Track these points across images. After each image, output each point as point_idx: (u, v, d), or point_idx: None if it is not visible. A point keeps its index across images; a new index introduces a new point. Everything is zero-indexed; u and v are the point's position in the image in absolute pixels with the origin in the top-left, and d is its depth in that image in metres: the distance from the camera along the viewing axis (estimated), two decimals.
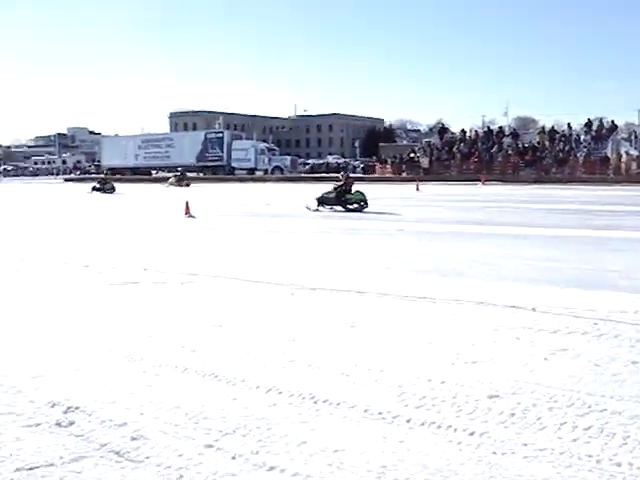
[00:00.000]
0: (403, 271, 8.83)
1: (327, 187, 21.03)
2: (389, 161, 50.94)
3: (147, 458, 3.37)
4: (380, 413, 3.90)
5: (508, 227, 14.38)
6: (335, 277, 8.39)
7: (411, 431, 3.66)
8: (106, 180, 37.79)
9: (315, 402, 4.10)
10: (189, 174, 62.53)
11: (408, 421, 3.78)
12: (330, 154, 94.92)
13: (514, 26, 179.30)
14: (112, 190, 35.58)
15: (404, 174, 47.37)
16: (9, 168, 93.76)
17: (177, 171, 48.95)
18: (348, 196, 20.11)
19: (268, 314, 6.49)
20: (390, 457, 3.34)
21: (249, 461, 3.33)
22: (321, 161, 75.89)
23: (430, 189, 33.32)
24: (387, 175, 48.49)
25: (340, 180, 21.00)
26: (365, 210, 19.53)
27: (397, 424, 3.75)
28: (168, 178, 47.35)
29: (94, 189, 35.93)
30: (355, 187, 20.54)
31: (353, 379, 4.50)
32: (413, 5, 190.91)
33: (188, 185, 43.42)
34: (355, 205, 19.89)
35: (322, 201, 20.43)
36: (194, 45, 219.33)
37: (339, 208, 19.83)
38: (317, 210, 20.03)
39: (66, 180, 66.55)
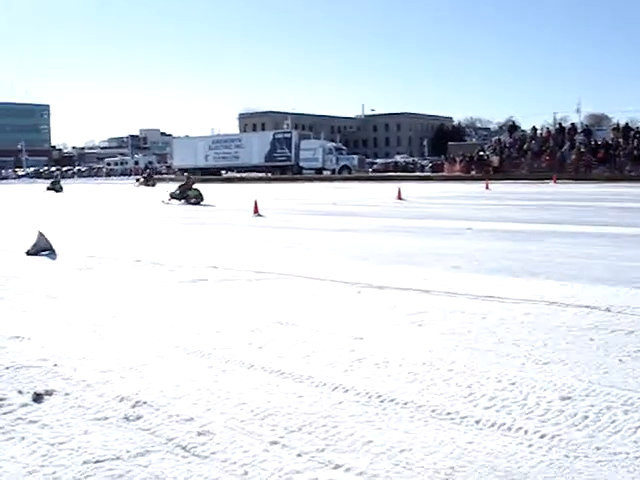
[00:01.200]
0: (472, 270, 8.68)
1: (394, 186, 20.94)
2: (458, 160, 50.31)
3: (213, 453, 3.37)
4: (448, 413, 3.82)
5: (581, 226, 13.99)
6: (403, 276, 8.30)
7: (480, 432, 3.57)
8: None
9: (382, 401, 4.05)
10: (257, 174, 63.40)
11: (477, 422, 3.69)
12: (398, 153, 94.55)
13: (587, 22, 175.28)
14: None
15: (473, 173, 46.74)
16: (83, 169, 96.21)
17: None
18: (189, 192, 25.78)
19: (335, 312, 6.46)
20: (458, 458, 3.26)
21: (314, 459, 3.30)
22: (389, 160, 75.60)
23: (500, 187, 32.77)
24: (456, 174, 47.90)
25: (185, 180, 27.64)
26: (432, 209, 19.36)
27: (466, 425, 3.67)
28: (239, 178, 47.92)
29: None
30: (197, 185, 26.59)
31: (421, 378, 4.43)
32: (483, 1, 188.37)
33: (154, 185, 46.67)
34: (193, 200, 25.44)
35: (173, 196, 25.98)
36: (263, 46, 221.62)
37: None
38: (169, 203, 25.66)
39: (138, 180, 67.89)
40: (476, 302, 6.73)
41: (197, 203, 25.32)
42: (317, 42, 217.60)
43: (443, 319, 6.06)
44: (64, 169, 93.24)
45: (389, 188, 31.13)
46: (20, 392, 4.24)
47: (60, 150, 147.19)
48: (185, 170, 68.22)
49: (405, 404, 3.98)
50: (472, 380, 4.35)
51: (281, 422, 3.74)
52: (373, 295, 7.27)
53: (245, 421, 3.76)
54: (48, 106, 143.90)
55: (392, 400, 4.05)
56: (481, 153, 49.30)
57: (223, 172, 69.20)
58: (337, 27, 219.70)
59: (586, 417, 3.72)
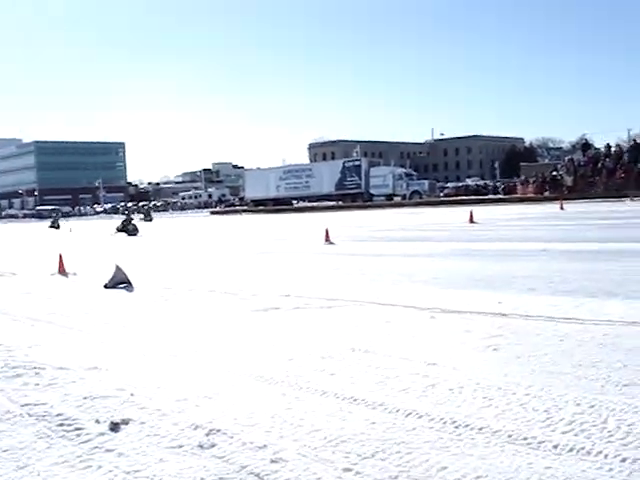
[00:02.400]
0: (548, 292, 8.48)
1: (466, 209, 20.71)
2: (530, 181, 49.52)
3: None
4: (525, 439, 3.72)
5: None
6: (476, 300, 8.17)
7: (558, 457, 3.45)
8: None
9: (457, 427, 3.97)
10: (328, 202, 63.70)
11: (555, 447, 3.58)
12: (469, 177, 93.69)
13: None
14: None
15: (547, 193, 45.93)
16: (158, 203, 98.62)
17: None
18: (128, 226, 32.27)
19: (408, 338, 6.40)
20: None
21: None
22: (460, 184, 74.90)
23: (574, 207, 32.06)
24: (529, 195, 47.14)
25: (141, 215, 36.86)
26: (505, 232, 19.07)
27: (543, 450, 3.56)
28: (310, 207, 48.29)
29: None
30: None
31: (496, 403, 4.33)
32: (555, 19, 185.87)
33: (151, 220, 48.89)
34: (133, 233, 31.72)
35: (118, 229, 32.49)
36: (330, 76, 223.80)
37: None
38: (115, 234, 31.98)
39: (212, 213, 69.15)
40: (553, 324, 6.56)
41: (134, 235, 31.31)
42: (382, 69, 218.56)
43: (519, 342, 5.93)
44: (140, 204, 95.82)
45: (461, 212, 30.84)
46: (97, 421, 4.32)
47: (136, 186, 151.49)
48: (257, 201, 69.44)
49: (480, 429, 3.89)
50: (549, 404, 4.23)
51: (354, 449, 3.70)
52: (447, 320, 7.18)
53: (318, 448, 3.74)
54: (123, 143, 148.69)
55: (467, 425, 3.96)
56: (554, 173, 48.42)
57: (294, 202, 69.85)
58: (402, 53, 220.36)
59: None
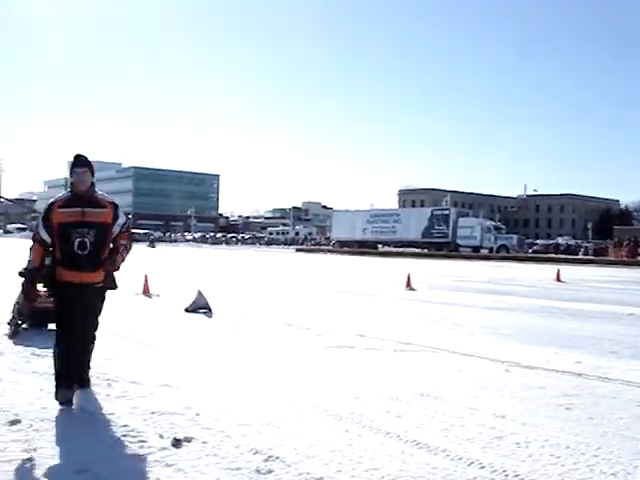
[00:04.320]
0: (629, 356, 8.20)
1: (553, 267, 20.22)
2: (624, 244, 48.06)
3: None
4: None
5: None
6: (555, 358, 7.97)
7: None
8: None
9: None
10: (414, 249, 63.32)
11: None
12: (560, 235, 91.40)
13: None
14: None
15: (639, 258, 44.43)
16: (247, 237, 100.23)
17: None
18: None
19: (479, 388, 6.29)
20: None
21: None
22: (550, 242, 73.27)
23: None
24: (622, 259, 45.70)
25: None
26: (592, 293, 18.54)
27: None
28: (395, 253, 48.21)
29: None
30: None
31: (563, 462, 4.20)
32: None
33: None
34: None
35: None
36: (425, 124, 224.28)
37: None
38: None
39: (297, 250, 69.74)
40: (631, 389, 6.33)
41: None
42: (479, 120, 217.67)
43: (594, 404, 5.74)
44: (229, 236, 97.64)
45: (549, 269, 30.16)
46: (161, 436, 4.42)
47: (227, 218, 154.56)
48: (343, 242, 69.65)
49: None
50: (618, 468, 4.08)
51: None
52: (521, 374, 7.02)
53: None
54: (218, 176, 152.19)
55: None
56: None
57: (380, 246, 69.70)
58: (499, 106, 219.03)
59: None
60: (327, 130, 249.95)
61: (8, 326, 8.57)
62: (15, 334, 8.33)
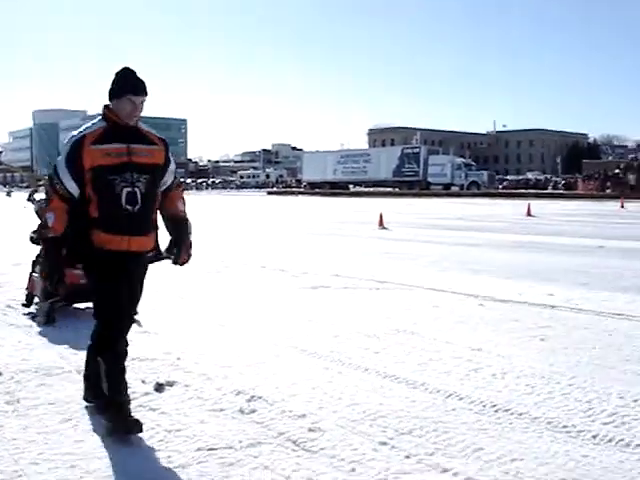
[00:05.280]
0: (601, 288, 8.35)
1: (524, 203, 20.40)
2: (593, 177, 48.54)
3: (322, 449, 3.42)
4: (565, 427, 3.70)
5: None
6: (528, 291, 8.10)
7: (597, 447, 3.43)
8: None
9: (496, 411, 3.97)
10: (385, 188, 63.41)
11: (594, 437, 3.56)
12: (529, 170, 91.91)
13: None
14: None
15: (608, 191, 44.96)
16: (217, 181, 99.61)
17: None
18: (34, 196, 31.78)
19: (454, 323, 6.39)
20: (571, 471, 3.15)
21: (422, 461, 3.28)
22: (520, 177, 73.76)
23: (636, 206, 31.30)
24: (590, 192, 46.21)
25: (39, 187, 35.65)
26: (563, 226, 18.77)
27: (582, 439, 3.54)
28: (366, 192, 48.05)
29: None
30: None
31: (538, 391, 4.31)
32: (621, 13, 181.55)
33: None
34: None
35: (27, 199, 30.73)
36: (392, 63, 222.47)
37: None
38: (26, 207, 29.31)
39: (268, 193, 69.50)
40: (603, 319, 6.48)
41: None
42: (445, 58, 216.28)
43: (567, 335, 5.87)
44: (199, 181, 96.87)
45: (519, 205, 30.43)
46: (143, 381, 4.45)
47: (196, 163, 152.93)
48: (314, 184, 69.56)
49: (520, 415, 3.89)
50: (592, 395, 4.19)
51: (392, 424, 3.74)
52: (495, 308, 7.14)
53: (356, 421, 3.79)
54: (185, 120, 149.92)
55: (507, 410, 3.96)
56: (617, 171, 47.34)
57: (351, 186, 69.70)
58: (466, 44, 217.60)
59: None
60: (294, 70, 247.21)
61: (33, 309, 6.72)
62: (49, 319, 6.28)
